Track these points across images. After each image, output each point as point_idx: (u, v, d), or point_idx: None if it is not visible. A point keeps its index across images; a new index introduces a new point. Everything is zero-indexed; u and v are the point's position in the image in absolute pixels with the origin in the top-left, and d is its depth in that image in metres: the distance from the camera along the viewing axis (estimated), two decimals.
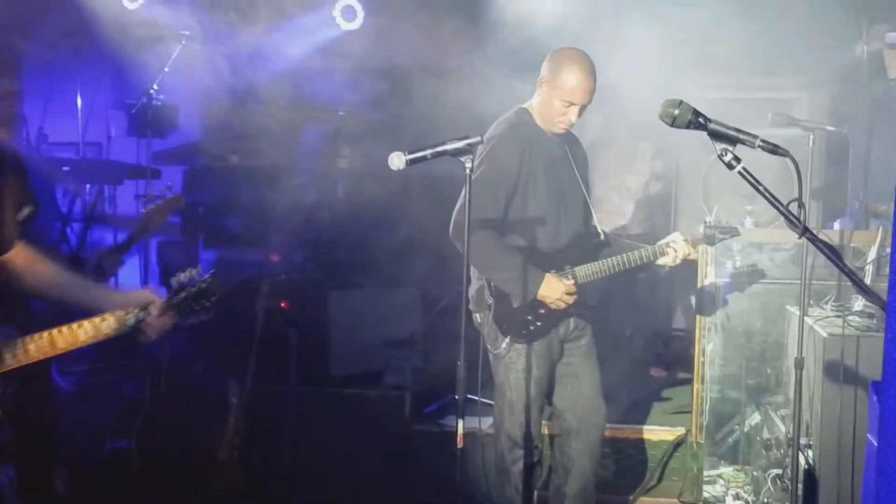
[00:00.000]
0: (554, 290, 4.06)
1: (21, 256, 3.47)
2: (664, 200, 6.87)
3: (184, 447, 5.33)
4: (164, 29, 7.57)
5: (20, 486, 4.24)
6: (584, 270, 4.16)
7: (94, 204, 7.49)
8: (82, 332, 3.20)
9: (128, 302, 3.21)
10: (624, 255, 4.19)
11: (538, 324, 4.17)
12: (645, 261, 4.21)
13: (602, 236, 4.33)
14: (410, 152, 3.49)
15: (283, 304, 5.83)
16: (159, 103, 6.86)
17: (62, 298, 3.44)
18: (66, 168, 7.10)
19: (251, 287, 5.85)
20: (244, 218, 6.89)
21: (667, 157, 6.87)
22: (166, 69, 6.91)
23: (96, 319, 3.18)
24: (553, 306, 4.10)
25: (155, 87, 6.84)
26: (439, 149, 3.55)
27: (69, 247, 6.79)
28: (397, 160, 3.45)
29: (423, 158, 3.52)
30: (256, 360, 5.52)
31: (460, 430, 3.69)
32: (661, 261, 4.21)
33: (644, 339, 7.15)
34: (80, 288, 3.45)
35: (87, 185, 7.44)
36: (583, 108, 4.13)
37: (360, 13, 8.26)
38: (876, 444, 2.50)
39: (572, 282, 4.11)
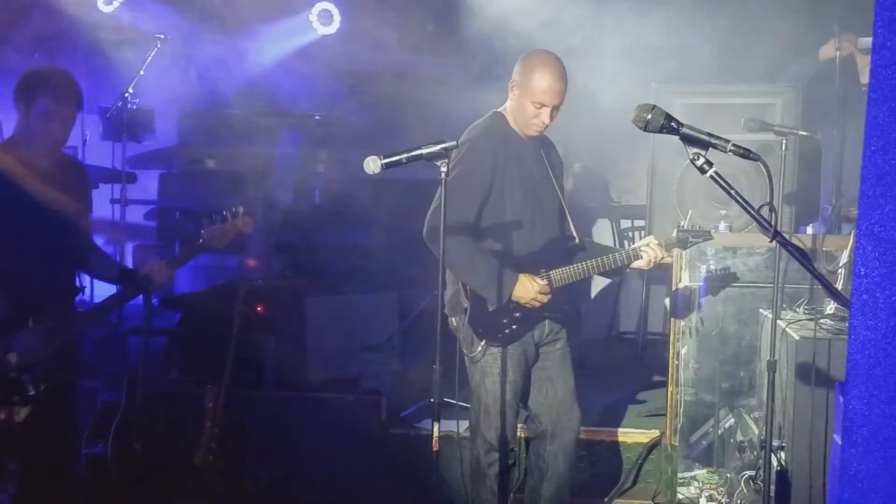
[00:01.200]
0: (528, 290, 4.07)
1: None
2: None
3: (160, 452, 5.33)
4: (139, 32, 7.56)
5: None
6: (559, 274, 4.16)
7: None
8: None
9: None
10: (598, 258, 4.19)
11: (513, 327, 4.17)
12: (619, 264, 4.21)
13: (577, 240, 4.33)
14: (386, 157, 3.50)
15: (259, 309, 5.83)
16: (135, 107, 6.85)
17: None
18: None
19: (227, 292, 5.84)
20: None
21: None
22: (142, 73, 6.89)
23: None
24: (528, 306, 4.12)
25: (130, 90, 6.83)
26: (414, 153, 3.56)
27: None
28: (373, 164, 3.46)
29: (399, 163, 3.53)
30: (233, 365, 5.52)
31: (436, 434, 3.70)
32: (635, 264, 4.21)
33: (620, 342, 7.21)
34: None
35: None
36: (555, 110, 4.13)
37: (337, 17, 8.26)
38: (840, 442, 2.53)
39: (546, 282, 4.13)
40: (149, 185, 7.55)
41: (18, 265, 3.99)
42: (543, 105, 4.08)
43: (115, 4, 7.88)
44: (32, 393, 3.94)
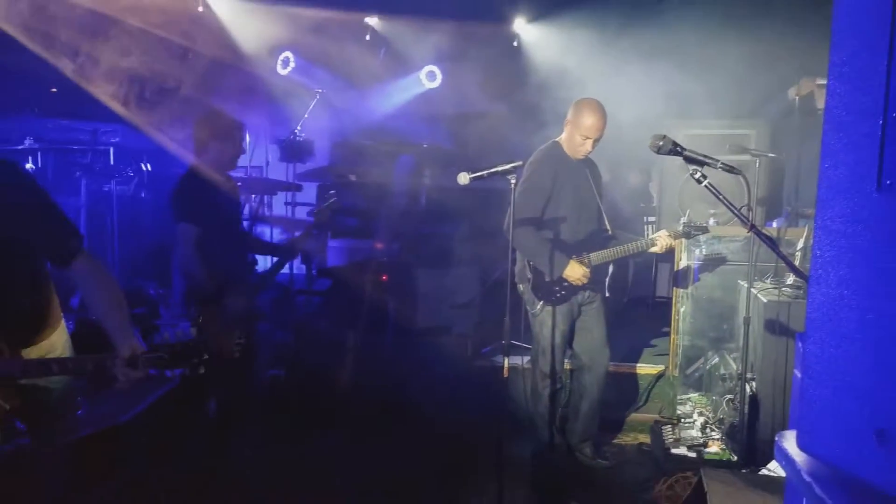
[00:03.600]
0: (575, 272, 4.09)
1: None
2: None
3: (317, 375, 5.42)
4: (304, 88, 7.66)
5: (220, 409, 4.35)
6: (597, 256, 4.16)
7: (258, 208, 7.61)
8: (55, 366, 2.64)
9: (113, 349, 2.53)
10: (625, 245, 4.18)
11: (563, 293, 4.18)
12: (640, 249, 4.19)
13: (610, 232, 4.30)
14: (472, 172, 3.50)
15: (383, 278, 5.88)
16: (301, 139, 6.94)
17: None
18: (239, 183, 7.22)
19: (362, 266, 5.90)
20: (359, 218, 6.93)
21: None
22: (306, 116, 6.98)
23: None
24: (574, 284, 4.10)
25: (298, 128, 6.92)
26: (493, 170, 3.55)
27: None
28: (463, 178, 3.46)
29: (482, 177, 3.53)
30: (365, 316, 5.57)
31: (506, 365, 3.69)
32: (651, 250, 4.18)
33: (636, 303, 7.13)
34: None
35: (253, 195, 7.56)
36: (596, 141, 4.12)
37: (440, 76, 8.29)
38: (800, 376, 2.44)
39: (588, 269, 4.11)
40: (309, 192, 7.64)
41: (220, 251, 4.05)
42: (588, 138, 4.08)
43: (289, 68, 8.00)
44: (241, 340, 3.99)
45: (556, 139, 4.28)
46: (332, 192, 5.75)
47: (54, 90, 6.91)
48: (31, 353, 2.69)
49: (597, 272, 4.21)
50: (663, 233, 4.19)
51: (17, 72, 6.30)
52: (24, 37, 6.35)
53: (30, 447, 2.89)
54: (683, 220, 4.51)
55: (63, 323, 2.87)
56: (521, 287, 4.26)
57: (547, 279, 4.14)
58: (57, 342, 2.80)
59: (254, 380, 5.28)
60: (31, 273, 2.70)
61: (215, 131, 4.12)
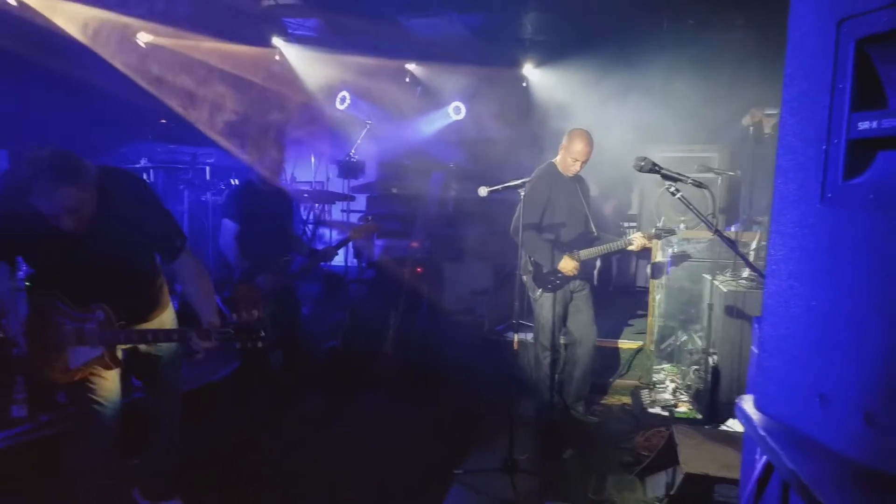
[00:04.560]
0: (567, 264, 4.05)
1: None
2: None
3: (366, 345, 5.44)
4: (357, 119, 7.69)
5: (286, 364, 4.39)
6: (585, 252, 4.12)
7: (320, 214, 7.67)
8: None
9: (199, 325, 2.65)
10: (608, 244, 4.14)
11: (557, 282, 4.14)
12: (621, 248, 4.14)
13: (595, 234, 4.26)
14: (490, 186, 3.49)
15: (418, 270, 5.88)
16: (354, 160, 6.95)
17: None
18: (305, 194, 7.28)
19: (402, 260, 5.91)
20: (399, 222, 6.95)
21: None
22: (358, 142, 6.99)
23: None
24: (566, 275, 4.08)
25: (353, 151, 6.93)
26: (506, 185, 3.56)
27: (307, 238, 6.98)
28: (482, 191, 3.47)
29: (497, 190, 3.54)
30: (404, 299, 5.58)
31: (515, 340, 3.68)
32: (629, 248, 4.13)
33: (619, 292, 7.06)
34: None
35: (316, 204, 7.61)
36: (584, 163, 4.10)
37: (464, 110, 8.27)
38: (756, 351, 2.39)
39: (578, 263, 4.07)
40: (360, 202, 7.67)
41: (256, 244, 4.07)
42: (577, 160, 4.04)
43: (345, 104, 8.03)
44: (263, 316, 4.01)
45: (552, 160, 4.25)
46: (371, 216, 5.75)
47: (163, 121, 7.00)
48: (146, 327, 2.75)
49: (585, 266, 4.18)
50: (639, 235, 4.14)
51: (135, 107, 6.39)
52: (141, 79, 6.46)
53: (145, 400, 2.95)
54: (659, 224, 4.47)
55: (171, 304, 2.93)
56: (524, 277, 4.23)
57: (545, 271, 4.11)
58: (166, 319, 2.86)
59: (314, 348, 5.34)
60: (149, 265, 2.77)
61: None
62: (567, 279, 4.15)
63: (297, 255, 4.48)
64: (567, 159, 4.10)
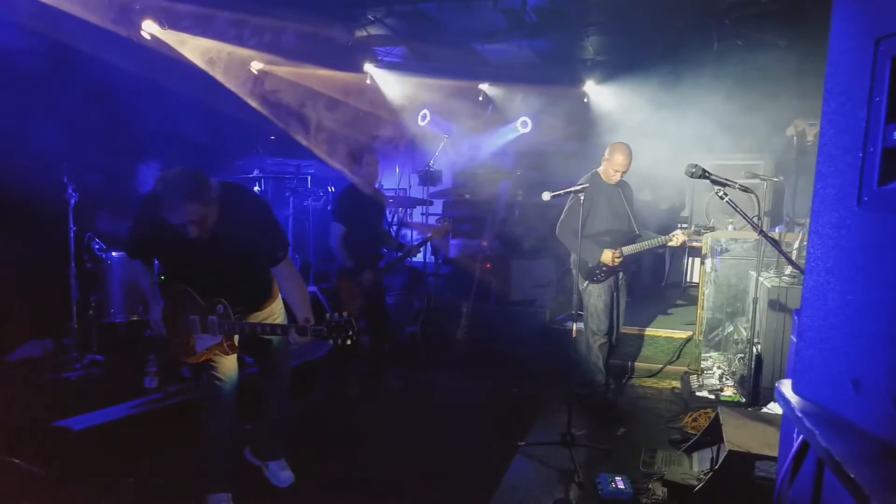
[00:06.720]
0: (607, 257, 4.03)
1: None
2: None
3: (441, 332, 5.52)
4: (435, 134, 7.78)
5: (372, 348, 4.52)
6: (628, 248, 4.08)
7: (403, 217, 7.81)
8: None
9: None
10: (648, 240, 4.07)
11: (602, 275, 4.11)
12: (661, 243, 4.04)
13: (637, 232, 4.17)
14: (552, 192, 3.50)
15: (487, 266, 5.92)
16: (433, 169, 7.04)
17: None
18: (391, 199, 7.41)
19: (473, 257, 5.96)
20: (471, 224, 6.98)
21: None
22: (437, 153, 7.07)
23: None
24: (610, 265, 4.05)
25: (432, 162, 7.01)
26: (567, 190, 3.55)
27: (392, 236, 7.13)
28: (546, 196, 3.48)
29: (559, 195, 3.53)
30: (475, 291, 5.64)
31: (574, 328, 3.67)
32: (670, 243, 4.01)
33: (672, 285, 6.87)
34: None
35: (400, 208, 7.75)
36: (624, 172, 4.06)
37: (530, 124, 8.23)
38: (795, 340, 2.31)
39: (620, 257, 4.03)
40: (438, 206, 7.76)
41: (358, 243, 4.20)
42: (618, 171, 4.03)
43: (426, 121, 8.14)
44: (362, 302, 4.18)
45: (596, 170, 4.19)
46: (447, 219, 5.81)
47: (272, 137, 7.32)
48: (259, 315, 2.90)
49: (627, 262, 4.15)
50: (678, 231, 4.04)
51: (248, 125, 6.71)
52: (253, 101, 6.78)
53: (257, 374, 3.09)
54: (698, 223, 4.37)
55: (280, 297, 3.03)
56: (574, 271, 4.22)
57: (590, 265, 4.09)
58: (275, 309, 3.00)
59: (397, 332, 5.47)
60: (261, 264, 2.83)
61: (357, 158, 4.27)
62: (612, 270, 4.11)
63: (386, 249, 4.61)
64: (609, 170, 4.07)
